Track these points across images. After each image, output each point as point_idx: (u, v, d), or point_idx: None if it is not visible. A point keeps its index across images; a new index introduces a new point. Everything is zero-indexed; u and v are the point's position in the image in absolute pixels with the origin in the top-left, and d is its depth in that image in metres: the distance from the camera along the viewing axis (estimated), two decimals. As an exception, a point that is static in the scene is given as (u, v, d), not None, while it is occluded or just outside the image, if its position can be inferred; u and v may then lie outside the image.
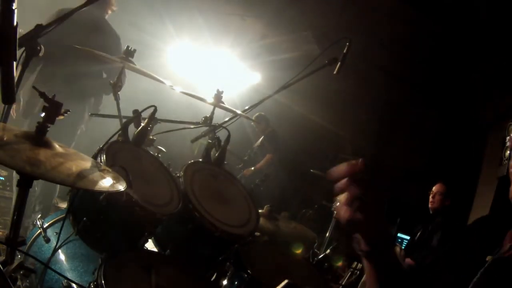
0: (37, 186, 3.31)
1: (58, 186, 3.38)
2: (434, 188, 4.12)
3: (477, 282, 0.92)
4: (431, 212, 4.08)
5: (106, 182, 1.20)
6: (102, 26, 3.50)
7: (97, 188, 1.14)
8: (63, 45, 2.88)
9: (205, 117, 2.41)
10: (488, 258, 0.97)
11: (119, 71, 3.14)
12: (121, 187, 1.22)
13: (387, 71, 5.97)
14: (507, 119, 4.21)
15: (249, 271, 1.64)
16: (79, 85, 3.23)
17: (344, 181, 0.80)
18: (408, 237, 4.68)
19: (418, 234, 4.07)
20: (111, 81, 2.22)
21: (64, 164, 1.13)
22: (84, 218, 1.50)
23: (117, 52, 3.14)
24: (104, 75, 3.53)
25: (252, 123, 5.89)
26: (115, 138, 1.74)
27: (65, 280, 1.54)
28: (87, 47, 2.21)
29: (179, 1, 5.73)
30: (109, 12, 3.60)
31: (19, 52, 1.32)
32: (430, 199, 4.11)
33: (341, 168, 0.82)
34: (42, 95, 1.17)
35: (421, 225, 4.11)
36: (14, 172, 3.03)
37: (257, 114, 5.77)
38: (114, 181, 1.23)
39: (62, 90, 2.77)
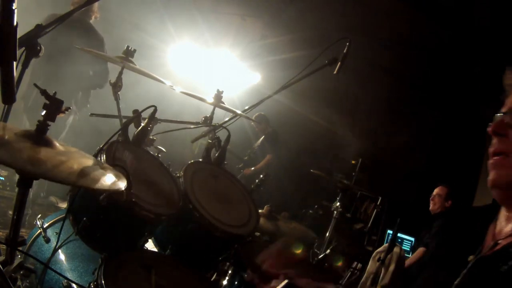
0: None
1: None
2: (434, 191, 4.13)
3: (459, 285, 0.91)
4: (432, 214, 4.08)
5: (108, 180, 1.19)
6: (86, 29, 3.95)
7: (98, 186, 1.13)
8: (52, 46, 3.29)
9: (205, 117, 2.41)
10: (470, 258, 0.96)
11: (106, 70, 3.68)
12: (123, 185, 1.22)
13: (387, 71, 5.97)
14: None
15: (249, 271, 1.64)
16: (67, 82, 3.67)
17: None
18: (407, 237, 4.68)
19: (423, 238, 4.06)
20: (111, 81, 2.22)
21: (66, 163, 1.12)
22: (84, 218, 1.50)
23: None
24: (91, 73, 4.03)
25: (252, 123, 5.89)
26: (115, 138, 1.74)
27: (65, 280, 1.54)
28: (72, 48, 2.36)
29: (179, 1, 5.73)
30: (93, 18, 4.04)
31: (19, 52, 1.32)
32: (430, 201, 4.12)
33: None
34: (44, 92, 1.17)
35: (426, 229, 4.11)
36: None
37: (257, 114, 5.77)
38: (116, 179, 1.23)
39: (52, 86, 3.29)
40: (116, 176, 1.26)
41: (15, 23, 0.92)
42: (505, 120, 0.95)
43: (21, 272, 1.34)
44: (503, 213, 0.99)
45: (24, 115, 3.82)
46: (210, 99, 2.34)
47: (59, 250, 1.74)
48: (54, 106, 1.16)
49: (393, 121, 6.68)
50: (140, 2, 5.50)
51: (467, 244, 1.03)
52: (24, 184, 1.15)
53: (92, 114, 2.34)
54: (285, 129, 6.43)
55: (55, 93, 1.18)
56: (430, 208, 4.11)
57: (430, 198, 4.13)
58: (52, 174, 1.05)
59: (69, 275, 1.63)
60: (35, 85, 1.22)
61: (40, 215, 2.01)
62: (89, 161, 1.24)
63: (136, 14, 5.51)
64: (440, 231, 3.84)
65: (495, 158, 0.95)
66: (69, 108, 1.25)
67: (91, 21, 4.04)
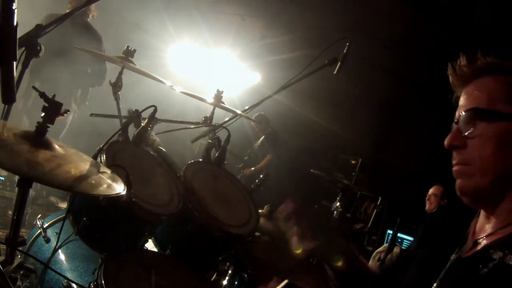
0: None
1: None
2: (430, 191, 4.14)
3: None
4: (428, 214, 4.10)
5: (105, 186, 1.18)
6: (84, 27, 4.02)
7: (95, 192, 1.12)
8: (50, 44, 3.27)
9: (205, 117, 2.41)
10: (453, 257, 0.95)
11: (104, 68, 4.07)
12: (120, 190, 1.21)
13: (387, 71, 5.97)
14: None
15: (249, 271, 1.64)
16: (66, 80, 3.72)
17: None
18: (407, 237, 4.68)
19: (418, 237, 4.08)
20: (111, 81, 2.22)
21: (63, 166, 1.11)
22: (84, 218, 1.50)
23: (99, 51, 3.65)
24: (89, 71, 4.10)
25: (252, 123, 5.89)
26: (115, 138, 1.74)
27: (65, 280, 1.54)
28: (72, 47, 2.40)
29: (179, 1, 5.73)
30: (90, 16, 4.10)
31: (19, 52, 1.32)
32: (426, 201, 4.13)
33: None
34: (42, 95, 1.17)
35: (421, 228, 4.13)
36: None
37: (257, 114, 5.77)
38: (113, 184, 1.23)
39: (51, 83, 3.54)
40: (114, 180, 1.25)
41: (15, 23, 0.92)
42: (459, 129, 0.94)
43: (21, 272, 1.34)
44: (482, 212, 0.99)
45: (24, 115, 3.84)
46: (210, 99, 2.34)
47: (59, 250, 1.74)
48: (53, 109, 1.16)
49: (393, 121, 6.67)
50: (140, 2, 5.49)
51: (449, 242, 1.01)
52: (24, 184, 1.15)
53: (92, 114, 2.34)
54: (285, 129, 6.43)
55: (54, 95, 1.18)
56: (427, 207, 4.12)
57: (426, 198, 4.14)
58: (49, 178, 1.04)
59: (69, 275, 1.63)
60: (34, 87, 1.22)
61: (40, 215, 2.01)
62: (87, 164, 1.24)
63: (136, 14, 5.51)
64: (423, 230, 3.87)
65: (456, 167, 0.95)
66: (68, 110, 1.24)
67: (88, 20, 4.08)
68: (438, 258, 0.98)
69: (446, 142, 0.95)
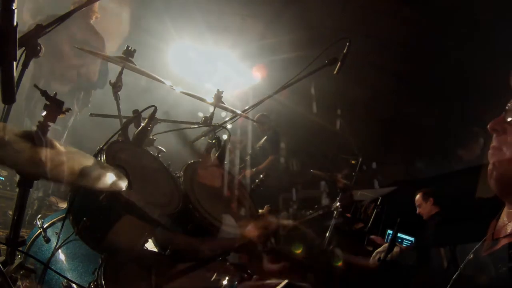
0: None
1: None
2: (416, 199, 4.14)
3: (455, 284, 0.91)
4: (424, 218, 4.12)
5: (108, 180, 1.20)
6: (87, 29, 4.04)
7: (99, 186, 1.14)
8: (53, 46, 3.39)
9: (205, 117, 2.41)
10: (471, 257, 0.95)
11: (106, 70, 3.75)
12: (123, 185, 1.22)
13: (387, 71, 5.97)
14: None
15: (249, 271, 1.64)
16: (69, 82, 3.80)
17: None
18: (407, 237, 4.68)
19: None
20: (111, 81, 2.22)
21: (66, 163, 1.12)
22: (84, 218, 1.49)
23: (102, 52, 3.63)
24: (91, 73, 4.13)
25: (255, 124, 5.88)
26: (115, 138, 1.74)
27: (65, 280, 1.54)
28: (73, 48, 2.41)
29: (179, 1, 5.73)
30: (93, 18, 4.11)
31: (19, 52, 1.32)
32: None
33: None
34: (44, 93, 1.17)
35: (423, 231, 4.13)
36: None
37: (259, 114, 5.76)
38: (116, 179, 1.23)
39: (54, 85, 3.58)
40: (116, 175, 1.26)
41: (15, 23, 0.92)
42: (504, 117, 0.97)
43: (21, 272, 1.34)
44: (505, 209, 0.99)
45: (26, 116, 3.84)
46: (210, 99, 2.34)
47: (59, 250, 1.74)
48: (55, 107, 1.16)
49: (393, 121, 6.67)
50: (140, 2, 5.50)
51: (466, 241, 1.02)
52: (25, 184, 1.15)
53: (92, 114, 2.34)
54: (285, 129, 6.43)
55: (55, 94, 1.18)
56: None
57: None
58: (53, 175, 1.05)
59: (69, 275, 1.63)
60: (36, 86, 1.23)
61: (40, 215, 2.01)
62: (89, 161, 1.24)
63: (137, 14, 5.51)
64: (438, 229, 3.86)
65: (491, 150, 0.98)
66: (69, 109, 1.25)
67: (91, 21, 4.08)
68: (454, 257, 0.98)
69: (488, 125, 0.99)
